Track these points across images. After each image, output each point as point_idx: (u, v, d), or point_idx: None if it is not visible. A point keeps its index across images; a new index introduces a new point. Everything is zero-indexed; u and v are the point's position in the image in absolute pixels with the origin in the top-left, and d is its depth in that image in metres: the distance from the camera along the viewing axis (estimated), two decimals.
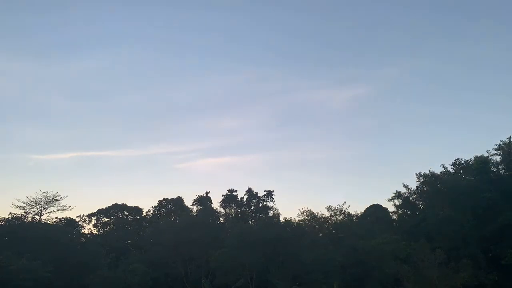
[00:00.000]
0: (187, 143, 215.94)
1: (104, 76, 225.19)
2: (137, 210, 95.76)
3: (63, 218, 79.50)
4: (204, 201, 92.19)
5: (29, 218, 69.95)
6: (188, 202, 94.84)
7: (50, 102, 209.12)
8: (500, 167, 74.57)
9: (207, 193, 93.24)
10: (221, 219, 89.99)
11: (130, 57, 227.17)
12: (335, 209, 77.27)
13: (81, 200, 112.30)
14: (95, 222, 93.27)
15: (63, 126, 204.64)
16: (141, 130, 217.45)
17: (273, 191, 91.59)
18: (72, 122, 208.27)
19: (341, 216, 77.98)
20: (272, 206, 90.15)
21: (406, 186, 79.63)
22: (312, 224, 76.67)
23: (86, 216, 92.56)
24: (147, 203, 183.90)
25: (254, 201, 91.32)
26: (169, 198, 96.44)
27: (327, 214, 77.51)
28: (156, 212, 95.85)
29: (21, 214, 69.21)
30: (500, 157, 74.42)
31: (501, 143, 74.63)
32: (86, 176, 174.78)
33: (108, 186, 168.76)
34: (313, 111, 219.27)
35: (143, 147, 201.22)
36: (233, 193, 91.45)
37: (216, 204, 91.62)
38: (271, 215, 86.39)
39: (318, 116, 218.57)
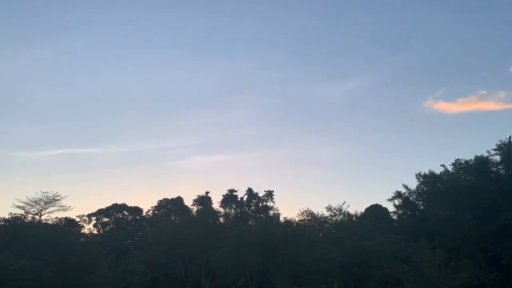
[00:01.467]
0: (176, 138, 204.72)
1: (85, 67, 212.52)
2: (137, 210, 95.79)
3: (63, 218, 79.62)
4: (204, 201, 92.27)
5: (29, 218, 70.02)
6: (187, 202, 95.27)
7: (30, 95, 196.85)
8: (500, 167, 74.82)
9: (207, 193, 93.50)
10: (221, 219, 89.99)
11: (114, 48, 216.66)
12: (335, 209, 77.47)
13: (72, 199, 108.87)
14: (95, 222, 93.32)
15: (45, 121, 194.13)
16: (126, 125, 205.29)
17: (273, 191, 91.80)
18: (54, 117, 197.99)
19: (341, 216, 78.10)
20: (272, 206, 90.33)
21: (406, 186, 79.93)
22: (312, 224, 76.64)
23: (86, 216, 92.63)
24: (141, 202, 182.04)
25: (254, 201, 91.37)
26: (169, 198, 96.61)
27: (327, 214, 77.74)
28: (156, 212, 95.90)
29: (21, 214, 69.32)
30: (500, 157, 74.59)
31: (501, 143, 74.88)
32: (75, 175, 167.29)
33: (99, 185, 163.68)
34: (310, 106, 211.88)
35: (130, 143, 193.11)
36: (233, 193, 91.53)
37: (216, 204, 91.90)
38: (271, 215, 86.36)
39: (315, 111, 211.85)
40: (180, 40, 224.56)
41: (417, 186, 78.34)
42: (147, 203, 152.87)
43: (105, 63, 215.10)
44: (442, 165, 77.84)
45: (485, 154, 74.10)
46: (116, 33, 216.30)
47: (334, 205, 77.54)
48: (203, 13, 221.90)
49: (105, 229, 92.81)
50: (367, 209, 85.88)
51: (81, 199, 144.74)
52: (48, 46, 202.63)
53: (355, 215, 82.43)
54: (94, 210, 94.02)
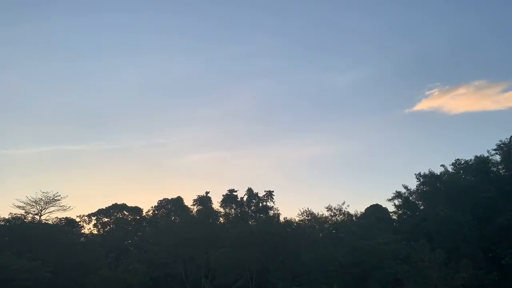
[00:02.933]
0: (170, 134, 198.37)
1: (71, 61, 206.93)
2: (137, 210, 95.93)
3: (63, 218, 79.61)
4: (204, 201, 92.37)
5: (29, 218, 70.06)
6: (187, 202, 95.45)
7: (14, 90, 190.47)
8: (500, 167, 74.70)
9: (207, 193, 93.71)
10: (221, 219, 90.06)
11: (102, 41, 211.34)
12: (335, 209, 77.49)
13: (66, 198, 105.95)
14: (95, 222, 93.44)
15: (28, 116, 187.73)
16: (114, 120, 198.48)
17: (273, 191, 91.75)
18: (38, 112, 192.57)
19: (341, 216, 78.16)
20: (272, 206, 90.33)
21: (406, 186, 79.91)
22: (312, 224, 76.75)
23: (86, 216, 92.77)
24: (141, 202, 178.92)
25: (254, 201, 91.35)
26: (169, 198, 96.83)
27: (327, 214, 77.82)
28: (156, 212, 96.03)
29: (21, 214, 69.38)
30: (500, 157, 74.55)
31: (501, 143, 74.82)
32: (65, 173, 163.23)
33: (93, 184, 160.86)
34: (308, 102, 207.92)
35: (120, 139, 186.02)
36: (233, 193, 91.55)
37: (216, 204, 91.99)
38: (271, 215, 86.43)
39: (313, 109, 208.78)
40: (173, 28, 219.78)
41: (417, 186, 78.29)
42: (146, 203, 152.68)
43: (92, 56, 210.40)
44: (442, 165, 77.81)
45: (485, 154, 74.14)
46: (103, 25, 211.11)
47: (334, 205, 77.73)
48: (199, 2, 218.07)
49: (105, 229, 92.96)
50: (367, 209, 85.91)
51: (73, 197, 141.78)
52: (35, 40, 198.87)
53: (355, 215, 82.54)
54: (85, 210, 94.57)
